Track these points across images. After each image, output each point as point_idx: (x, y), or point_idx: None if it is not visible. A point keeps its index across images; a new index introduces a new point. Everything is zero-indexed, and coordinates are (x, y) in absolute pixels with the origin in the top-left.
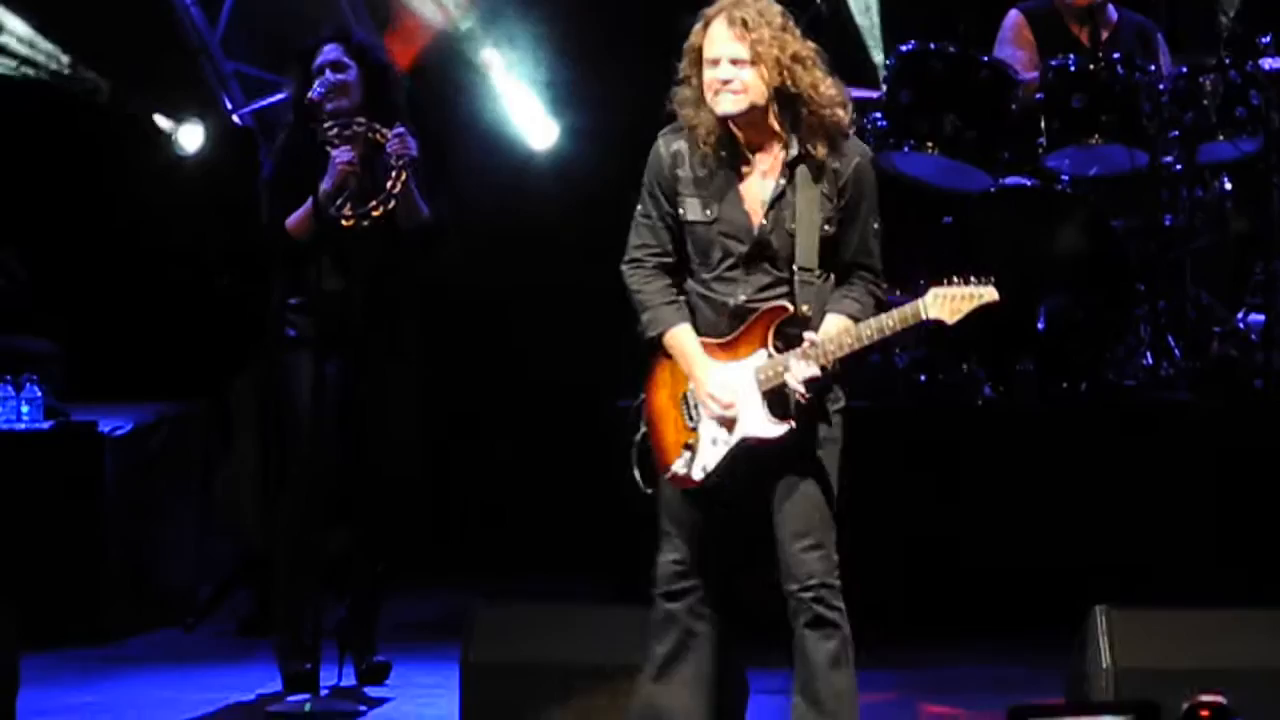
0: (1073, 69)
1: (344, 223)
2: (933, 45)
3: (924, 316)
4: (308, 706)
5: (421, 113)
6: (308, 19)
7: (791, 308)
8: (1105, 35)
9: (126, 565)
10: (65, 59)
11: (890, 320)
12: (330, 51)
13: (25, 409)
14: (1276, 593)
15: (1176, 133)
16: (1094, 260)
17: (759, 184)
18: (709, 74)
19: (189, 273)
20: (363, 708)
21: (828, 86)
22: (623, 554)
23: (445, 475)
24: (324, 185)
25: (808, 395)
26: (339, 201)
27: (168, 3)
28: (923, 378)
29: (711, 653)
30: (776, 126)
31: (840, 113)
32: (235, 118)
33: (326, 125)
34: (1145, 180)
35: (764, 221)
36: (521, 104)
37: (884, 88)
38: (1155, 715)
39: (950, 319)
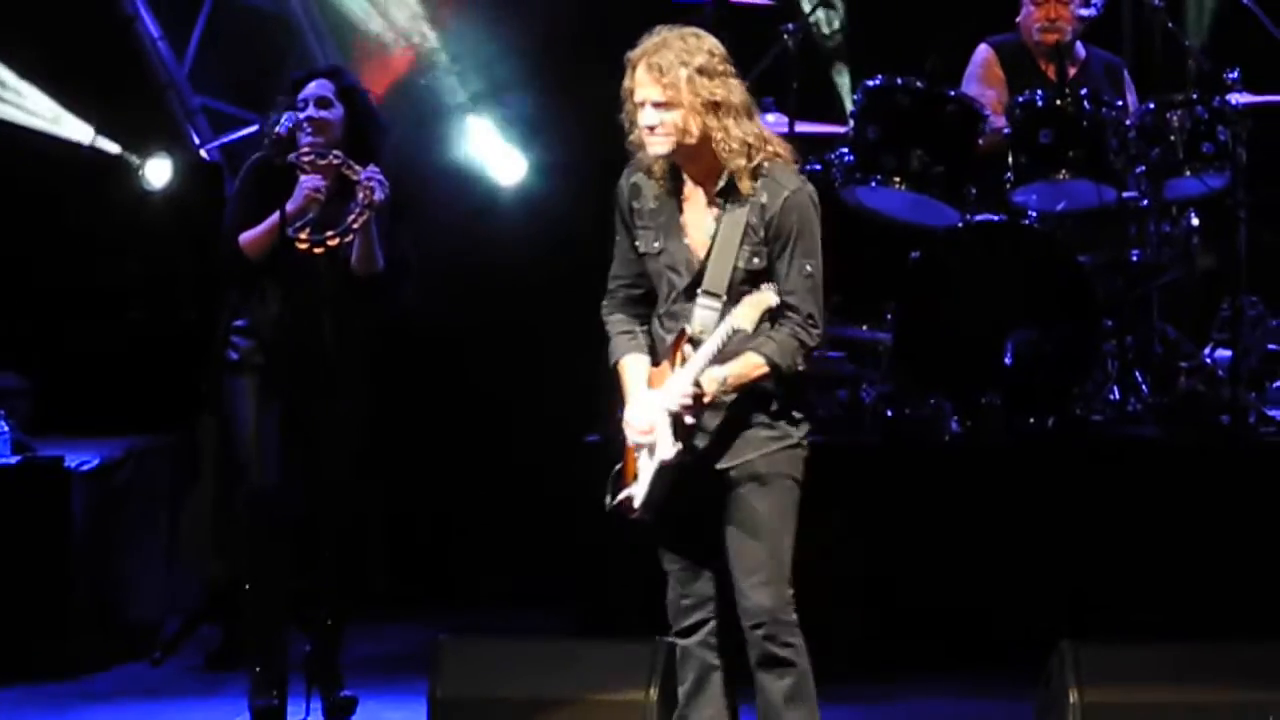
0: (1040, 104)
1: (298, 245)
2: (899, 80)
3: (736, 327)
4: None
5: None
6: (275, 54)
7: (687, 330)
8: (1074, 71)
9: (93, 599)
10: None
11: (738, 365)
12: (318, 87)
13: None
14: (1244, 626)
15: (1143, 168)
16: (1061, 295)
17: (702, 216)
18: (638, 117)
19: (156, 307)
20: None
21: (742, 130)
22: (585, 587)
23: (405, 510)
24: (288, 207)
25: (686, 417)
26: (298, 225)
27: (135, 37)
28: (889, 412)
29: (731, 685)
30: (715, 159)
31: (750, 157)
32: (203, 152)
33: (303, 151)
34: (1112, 215)
35: (702, 255)
36: (488, 139)
37: (850, 123)
38: None
39: (750, 326)
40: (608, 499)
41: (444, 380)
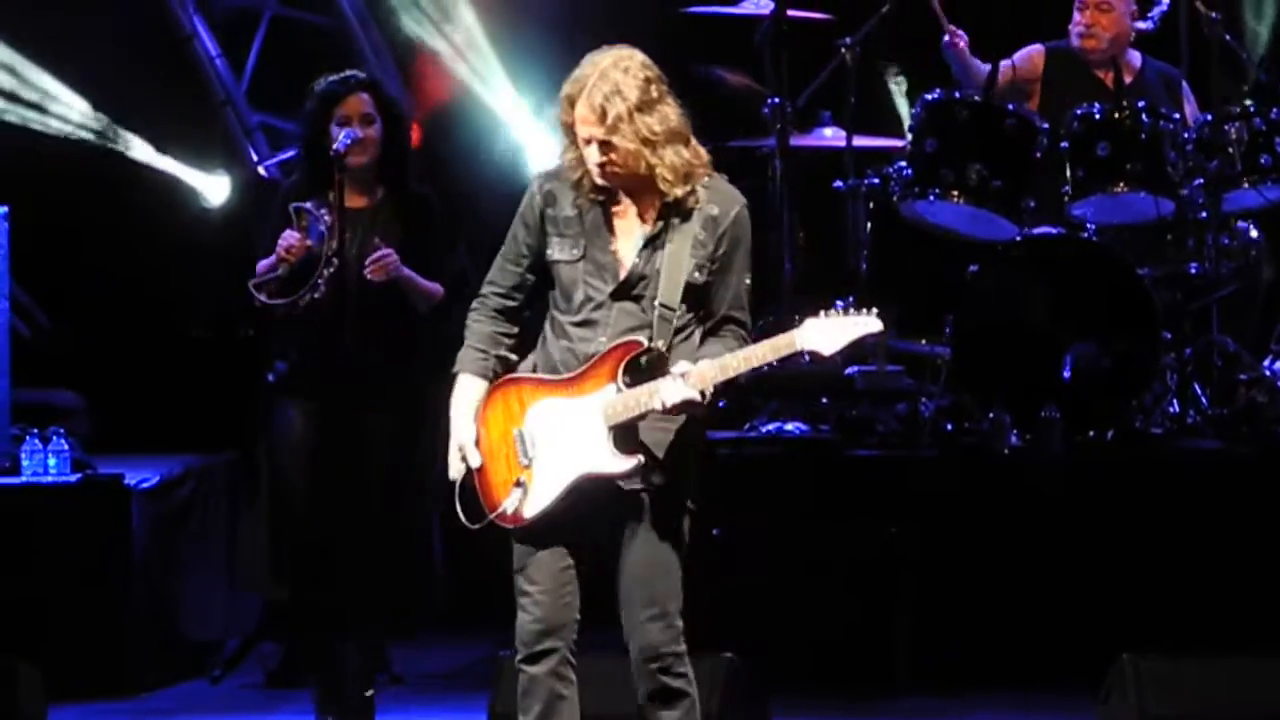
0: (1098, 117)
1: (255, 303)
2: (957, 94)
3: (799, 347)
4: None
5: (437, 166)
6: (333, 71)
7: (646, 342)
8: (1129, 81)
9: (153, 617)
10: (92, 113)
11: (760, 350)
12: (360, 102)
13: (52, 461)
14: None
15: (1201, 180)
16: (1120, 308)
17: (633, 226)
18: (585, 152)
19: (215, 325)
20: None
21: (680, 157)
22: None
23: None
24: (260, 264)
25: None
26: (264, 280)
27: (194, 55)
28: (948, 426)
29: (577, 716)
30: (655, 185)
31: (688, 181)
32: (260, 169)
33: (294, 206)
34: (1171, 228)
35: (637, 260)
36: (540, 149)
37: (909, 136)
38: None
39: (828, 350)
40: (459, 509)
41: None
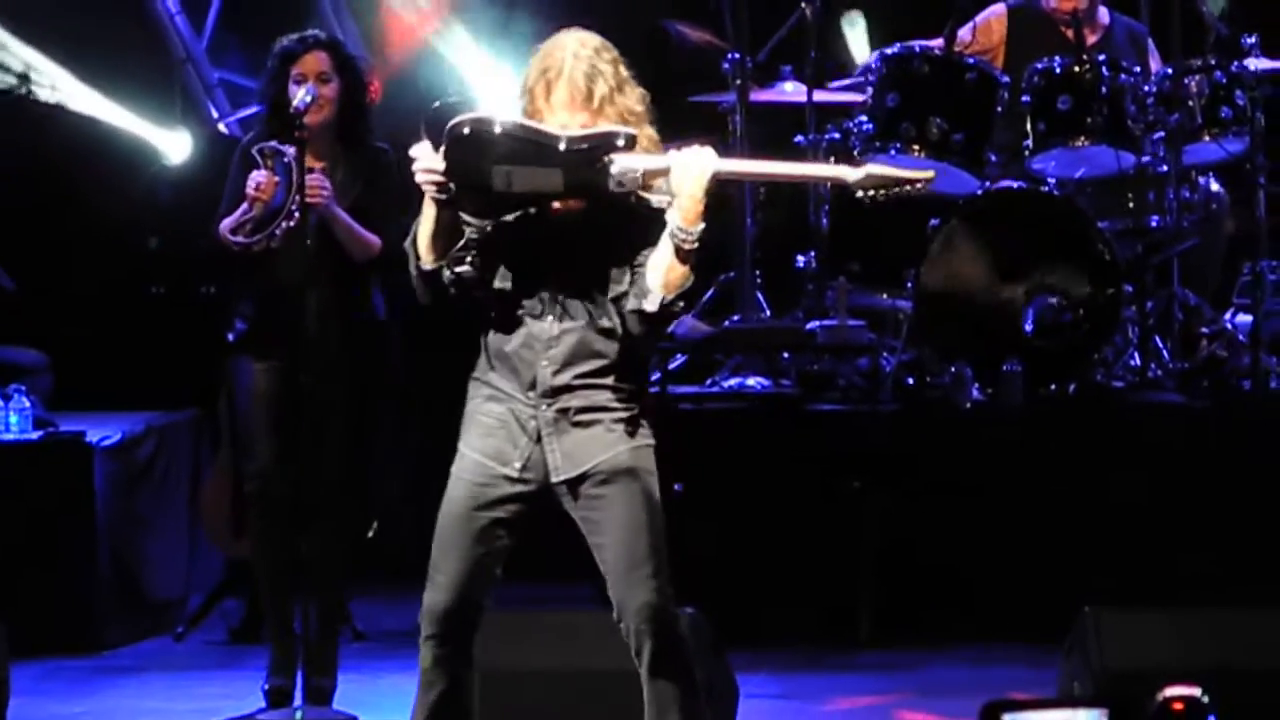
0: (1058, 71)
1: (233, 247)
2: (918, 47)
3: (844, 179)
4: (299, 715)
5: (397, 124)
6: (294, 28)
7: None
8: (1096, 39)
9: (116, 575)
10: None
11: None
12: (317, 60)
13: (14, 419)
14: (1268, 592)
15: (1162, 134)
16: (1081, 262)
17: None
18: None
19: (175, 283)
20: (355, 715)
21: (650, 141)
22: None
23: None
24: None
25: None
26: (239, 223)
27: (153, 12)
28: (909, 380)
29: (469, 698)
30: None
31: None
32: (222, 126)
33: (260, 146)
34: (1132, 182)
35: None
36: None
37: (869, 91)
38: (1132, 709)
39: (860, 186)
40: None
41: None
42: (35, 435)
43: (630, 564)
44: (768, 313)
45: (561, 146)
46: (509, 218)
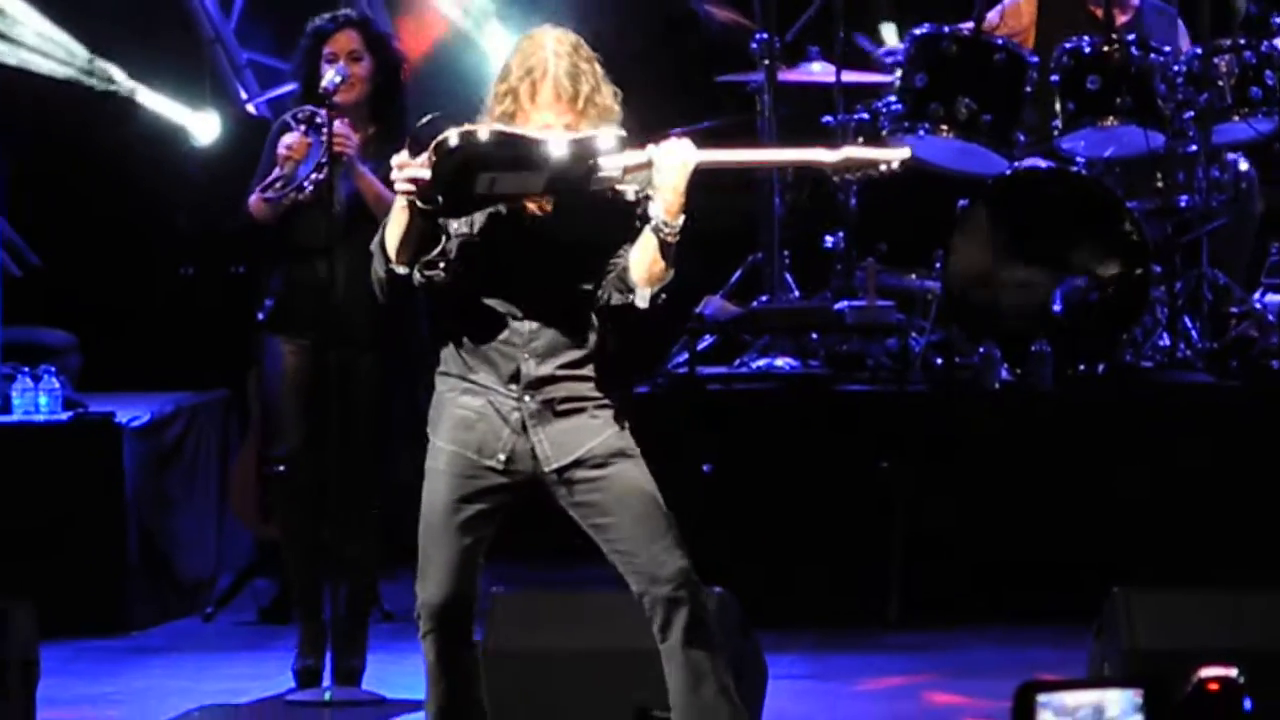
0: (1087, 50)
1: (263, 207)
2: (946, 28)
3: (821, 162)
4: (328, 695)
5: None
6: (323, 8)
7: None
8: (1126, 18)
9: (146, 555)
10: (82, 53)
11: (783, 154)
12: (348, 39)
13: (44, 400)
14: None
15: (1192, 113)
16: (1110, 242)
17: None
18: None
19: (205, 263)
20: (383, 695)
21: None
22: None
23: None
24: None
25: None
26: (272, 182)
27: None
28: (938, 361)
29: (477, 683)
30: None
31: None
32: (250, 107)
33: (294, 110)
34: (1161, 161)
35: None
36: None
37: (898, 71)
38: (1166, 688)
39: (835, 169)
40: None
41: None
42: (65, 416)
43: (652, 536)
44: (796, 293)
45: (550, 151)
46: (482, 216)
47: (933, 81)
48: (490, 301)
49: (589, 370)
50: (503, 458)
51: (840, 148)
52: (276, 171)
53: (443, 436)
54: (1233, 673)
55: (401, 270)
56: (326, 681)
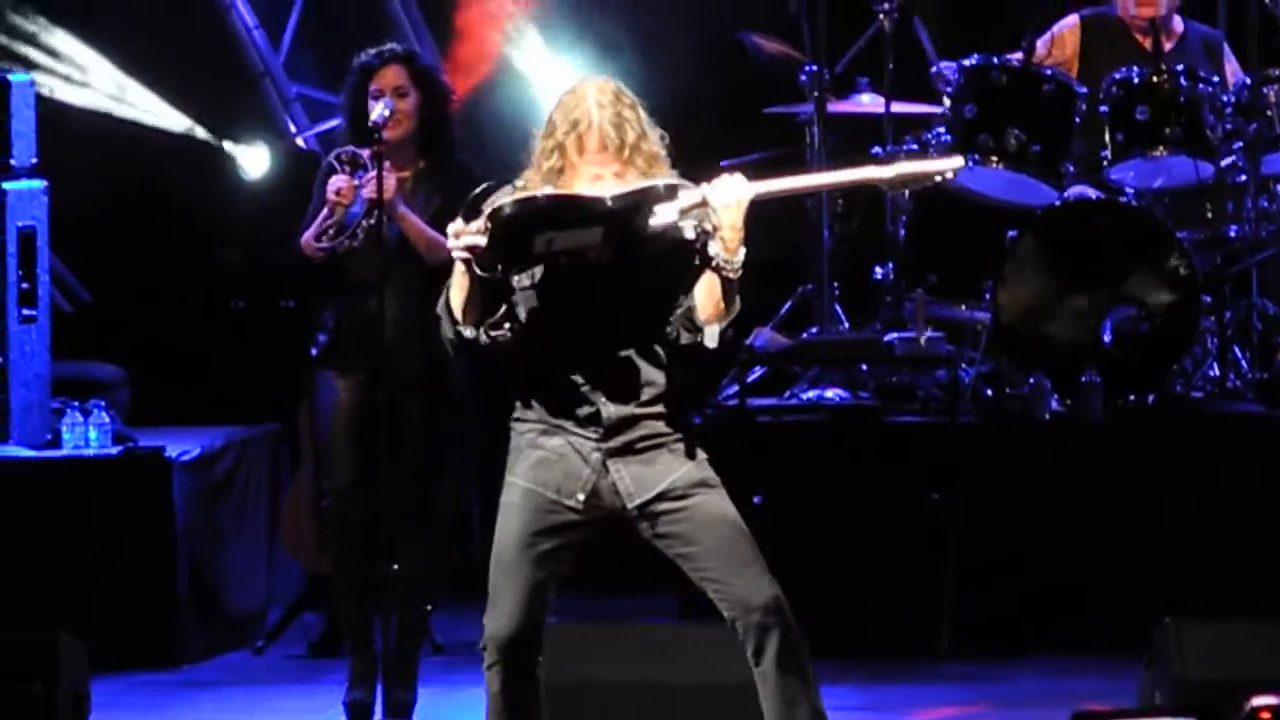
0: (1136, 81)
1: (317, 253)
2: (996, 59)
3: (877, 179)
4: None
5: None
6: (371, 42)
7: None
8: (1171, 46)
9: (195, 589)
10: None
11: (836, 176)
12: (394, 75)
13: (93, 434)
14: None
15: (1241, 144)
16: (1159, 272)
17: None
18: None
19: (256, 297)
20: None
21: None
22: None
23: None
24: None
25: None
26: (321, 229)
27: (232, 27)
28: (988, 392)
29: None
30: None
31: None
32: (299, 141)
33: (337, 152)
34: (1210, 192)
35: None
36: (542, 190)
37: (947, 102)
38: (1217, 718)
39: (890, 185)
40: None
41: None
42: (114, 451)
43: (741, 563)
44: (846, 325)
45: (607, 207)
46: (543, 269)
47: (982, 112)
48: (562, 349)
49: (663, 408)
50: (581, 497)
51: (892, 164)
52: (325, 215)
53: (520, 475)
54: None
55: (469, 333)
56: (378, 715)
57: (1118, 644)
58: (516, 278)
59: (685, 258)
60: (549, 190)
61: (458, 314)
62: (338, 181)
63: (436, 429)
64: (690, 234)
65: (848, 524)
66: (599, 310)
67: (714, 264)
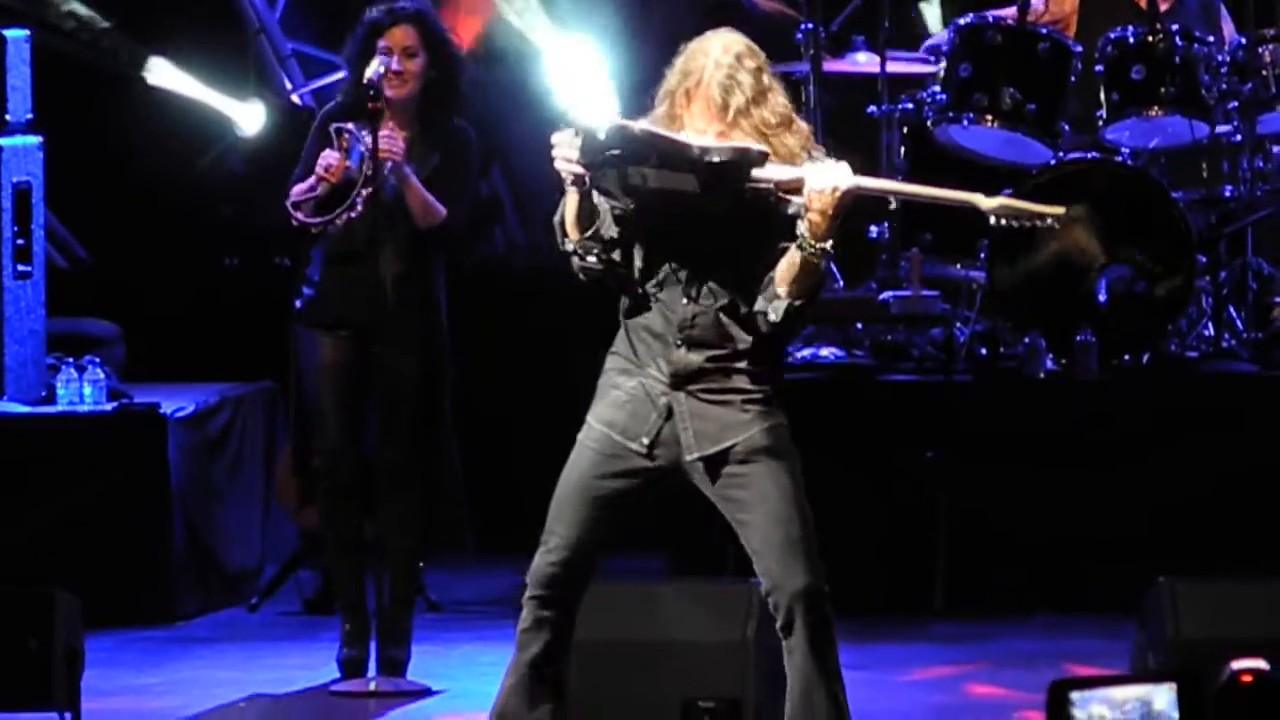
0: (1132, 41)
1: (293, 222)
2: (991, 18)
3: (977, 205)
4: (373, 685)
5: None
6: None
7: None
8: (1168, 5)
9: (190, 546)
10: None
11: (940, 192)
12: (404, 34)
13: (88, 390)
14: None
15: (1236, 103)
16: (1155, 232)
17: None
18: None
19: (250, 254)
20: (428, 686)
21: (787, 150)
22: (676, 530)
23: (493, 454)
24: (297, 188)
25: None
26: (302, 200)
27: None
28: (983, 351)
29: (567, 663)
30: None
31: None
32: (295, 97)
33: (335, 126)
34: (1205, 151)
35: None
36: (586, 91)
37: (943, 61)
38: (1198, 682)
39: (994, 213)
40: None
41: (532, 326)
42: (109, 407)
43: (785, 545)
44: (841, 283)
45: (694, 155)
46: (639, 207)
47: (977, 71)
48: (653, 288)
49: (743, 364)
50: (646, 441)
51: (997, 196)
52: (310, 185)
53: (595, 414)
54: (1265, 666)
55: (568, 247)
56: (372, 672)
57: (1111, 603)
58: (610, 203)
59: (782, 228)
60: (645, 125)
61: (569, 227)
62: (329, 158)
63: (432, 388)
64: (791, 209)
65: (842, 483)
66: (687, 257)
67: (798, 242)
